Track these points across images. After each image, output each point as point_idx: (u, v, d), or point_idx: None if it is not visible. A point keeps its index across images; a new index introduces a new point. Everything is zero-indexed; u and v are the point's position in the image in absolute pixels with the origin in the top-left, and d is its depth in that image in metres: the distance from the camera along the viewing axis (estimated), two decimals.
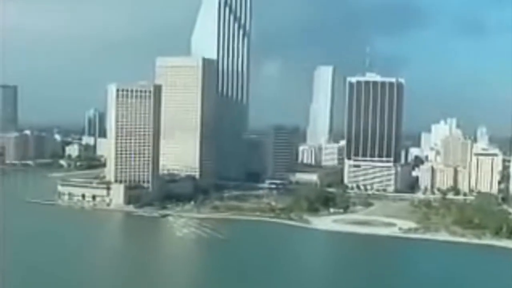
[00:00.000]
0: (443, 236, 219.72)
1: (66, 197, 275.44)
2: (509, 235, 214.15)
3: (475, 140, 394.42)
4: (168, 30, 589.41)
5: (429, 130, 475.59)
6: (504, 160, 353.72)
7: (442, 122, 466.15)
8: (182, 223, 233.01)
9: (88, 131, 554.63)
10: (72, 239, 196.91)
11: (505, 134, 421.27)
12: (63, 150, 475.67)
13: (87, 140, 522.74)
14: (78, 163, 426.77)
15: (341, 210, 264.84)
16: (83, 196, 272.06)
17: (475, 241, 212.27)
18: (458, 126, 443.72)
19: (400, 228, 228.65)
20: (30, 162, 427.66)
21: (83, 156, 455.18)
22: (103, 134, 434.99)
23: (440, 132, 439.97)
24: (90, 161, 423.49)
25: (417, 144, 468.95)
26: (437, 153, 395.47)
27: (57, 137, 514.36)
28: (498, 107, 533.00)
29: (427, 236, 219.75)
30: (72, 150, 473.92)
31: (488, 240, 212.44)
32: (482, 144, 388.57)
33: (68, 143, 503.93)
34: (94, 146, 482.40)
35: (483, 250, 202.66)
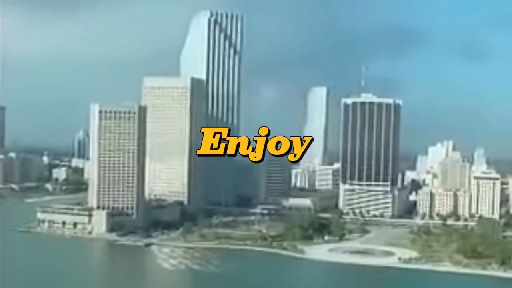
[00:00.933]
0: (446, 266, 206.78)
1: (46, 224, 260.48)
2: None
3: (472, 162, 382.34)
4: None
5: (425, 153, 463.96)
6: (502, 183, 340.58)
7: (438, 144, 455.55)
8: (169, 253, 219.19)
9: (77, 153, 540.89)
10: (45, 273, 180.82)
11: (499, 155, 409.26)
12: (51, 173, 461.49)
13: (76, 162, 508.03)
14: (64, 187, 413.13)
15: (337, 238, 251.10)
16: (64, 223, 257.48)
17: (481, 272, 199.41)
18: (454, 148, 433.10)
19: (399, 258, 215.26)
20: (14, 185, 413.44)
21: (70, 179, 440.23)
22: None
23: (437, 154, 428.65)
24: (78, 185, 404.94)
25: (413, 167, 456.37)
26: (434, 176, 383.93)
27: (45, 159, 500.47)
28: (493, 128, 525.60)
29: (429, 266, 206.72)
30: (59, 173, 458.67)
31: (495, 271, 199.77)
32: (481, 167, 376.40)
33: (56, 166, 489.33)
34: (83, 169, 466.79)
35: (490, 282, 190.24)
